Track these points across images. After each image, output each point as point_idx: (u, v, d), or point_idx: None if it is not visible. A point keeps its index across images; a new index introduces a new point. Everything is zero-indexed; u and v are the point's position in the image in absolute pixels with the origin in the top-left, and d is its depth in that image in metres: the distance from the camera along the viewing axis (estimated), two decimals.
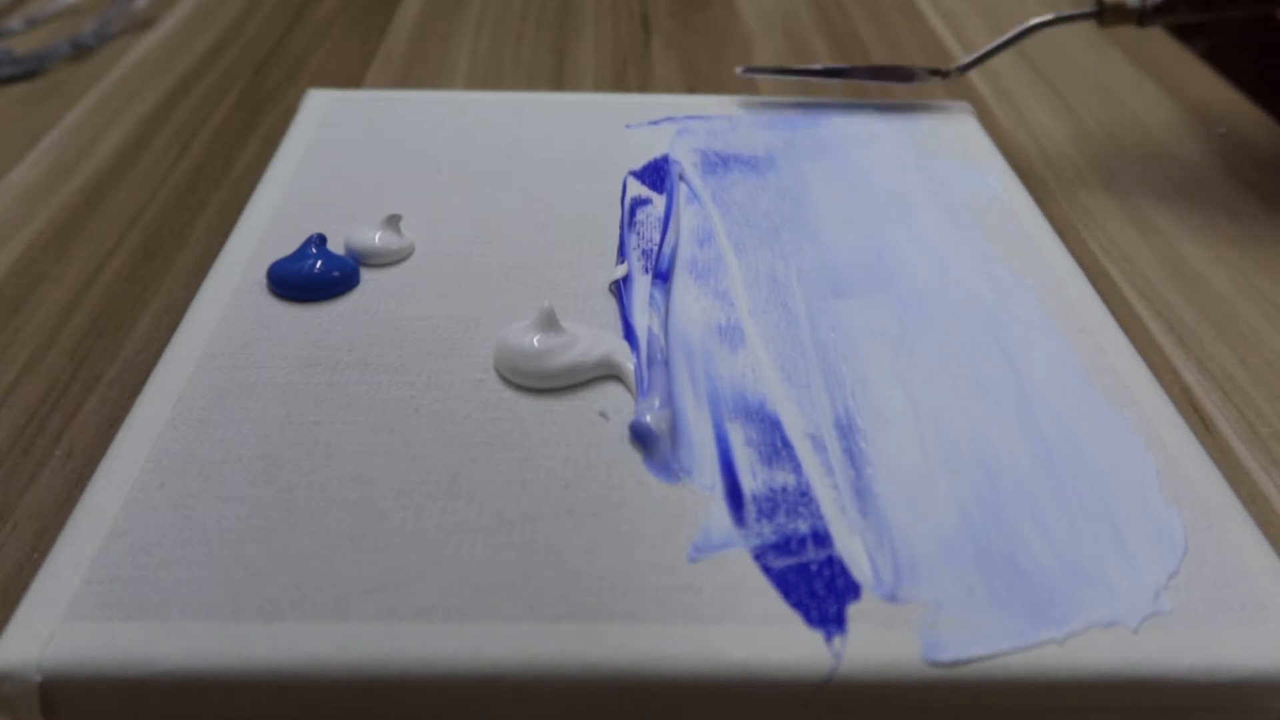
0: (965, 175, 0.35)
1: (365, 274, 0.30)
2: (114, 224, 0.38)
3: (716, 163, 0.35)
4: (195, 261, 0.36)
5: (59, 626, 0.20)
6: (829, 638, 0.20)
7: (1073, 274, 0.30)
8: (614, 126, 0.38)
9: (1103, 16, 0.34)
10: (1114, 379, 0.26)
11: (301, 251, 0.29)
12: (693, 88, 0.49)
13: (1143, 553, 0.22)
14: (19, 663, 0.19)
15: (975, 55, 0.37)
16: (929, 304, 0.29)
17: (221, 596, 0.20)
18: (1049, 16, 0.35)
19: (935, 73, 0.37)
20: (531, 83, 0.50)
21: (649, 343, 0.26)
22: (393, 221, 0.30)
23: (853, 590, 0.21)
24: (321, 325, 0.28)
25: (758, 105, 0.39)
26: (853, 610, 0.20)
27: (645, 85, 0.49)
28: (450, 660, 0.19)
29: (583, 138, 0.37)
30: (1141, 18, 0.33)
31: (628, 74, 0.51)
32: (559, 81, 0.50)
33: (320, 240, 0.30)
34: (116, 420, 0.26)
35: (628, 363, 0.26)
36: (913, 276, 0.30)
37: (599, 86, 0.49)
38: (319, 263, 0.29)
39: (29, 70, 0.49)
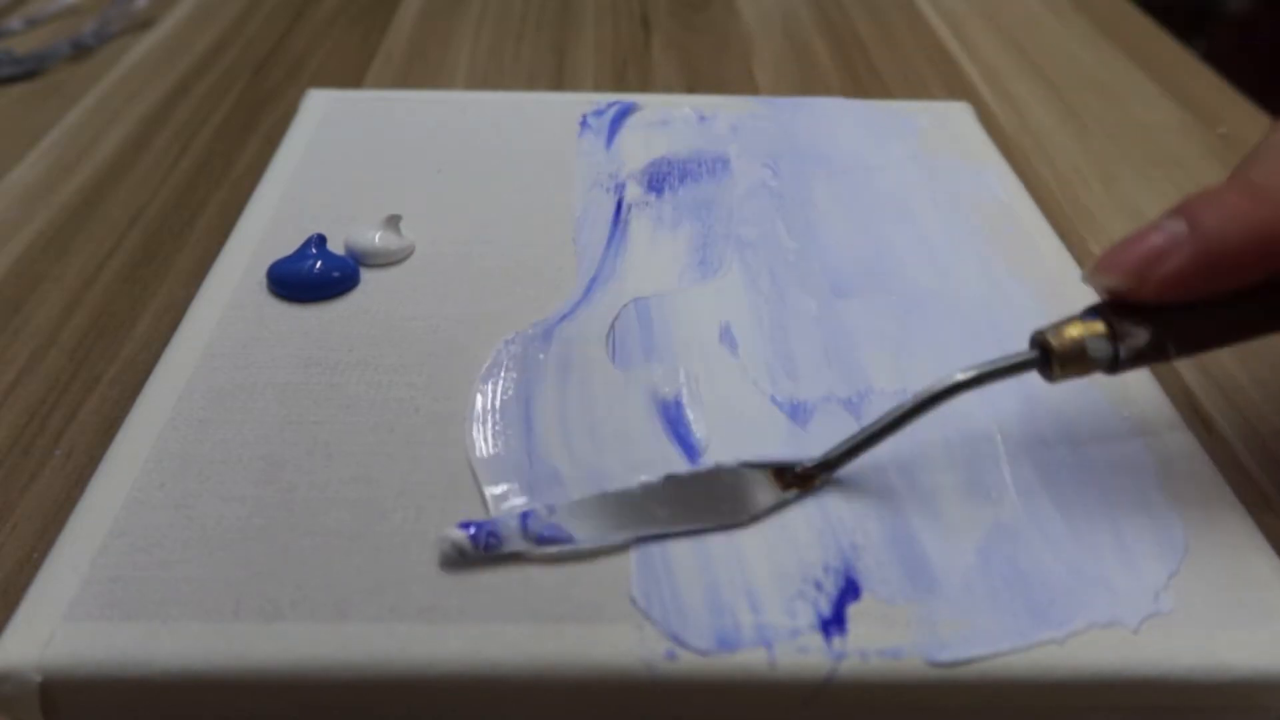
0: (965, 175, 0.35)
1: (365, 274, 0.30)
2: (114, 224, 0.38)
3: (716, 163, 0.35)
4: (195, 261, 0.36)
5: (59, 626, 0.20)
6: (829, 638, 0.20)
7: (1073, 274, 0.30)
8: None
9: (1051, 367, 0.22)
10: (1114, 379, 0.26)
11: (301, 251, 0.29)
12: (693, 88, 0.49)
13: (1143, 553, 0.22)
14: (19, 663, 0.19)
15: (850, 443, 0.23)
16: (929, 304, 0.29)
17: (221, 596, 0.20)
18: (971, 373, 0.22)
19: None
20: (531, 83, 0.50)
21: None
22: (393, 221, 0.30)
23: (853, 590, 0.21)
24: (321, 325, 0.28)
25: (757, 105, 0.39)
26: (853, 610, 0.20)
27: (645, 85, 0.49)
28: (450, 660, 0.19)
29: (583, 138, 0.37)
30: (1115, 365, 0.22)
31: (628, 74, 0.51)
32: (559, 81, 0.50)
33: (320, 240, 0.30)
34: (116, 420, 0.26)
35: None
36: (913, 276, 0.30)
37: (599, 86, 0.49)
38: (319, 263, 0.29)
39: (29, 70, 0.49)
